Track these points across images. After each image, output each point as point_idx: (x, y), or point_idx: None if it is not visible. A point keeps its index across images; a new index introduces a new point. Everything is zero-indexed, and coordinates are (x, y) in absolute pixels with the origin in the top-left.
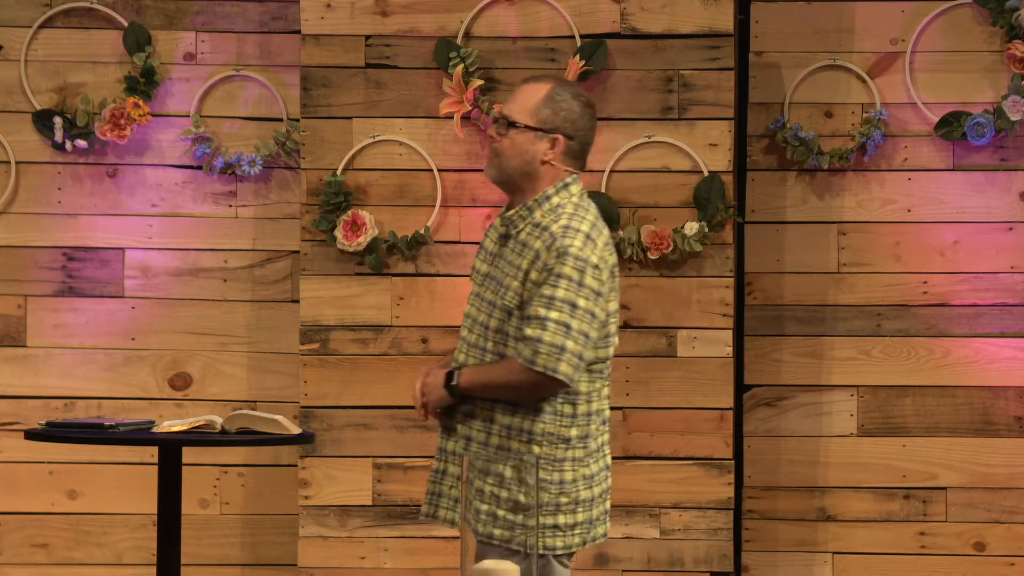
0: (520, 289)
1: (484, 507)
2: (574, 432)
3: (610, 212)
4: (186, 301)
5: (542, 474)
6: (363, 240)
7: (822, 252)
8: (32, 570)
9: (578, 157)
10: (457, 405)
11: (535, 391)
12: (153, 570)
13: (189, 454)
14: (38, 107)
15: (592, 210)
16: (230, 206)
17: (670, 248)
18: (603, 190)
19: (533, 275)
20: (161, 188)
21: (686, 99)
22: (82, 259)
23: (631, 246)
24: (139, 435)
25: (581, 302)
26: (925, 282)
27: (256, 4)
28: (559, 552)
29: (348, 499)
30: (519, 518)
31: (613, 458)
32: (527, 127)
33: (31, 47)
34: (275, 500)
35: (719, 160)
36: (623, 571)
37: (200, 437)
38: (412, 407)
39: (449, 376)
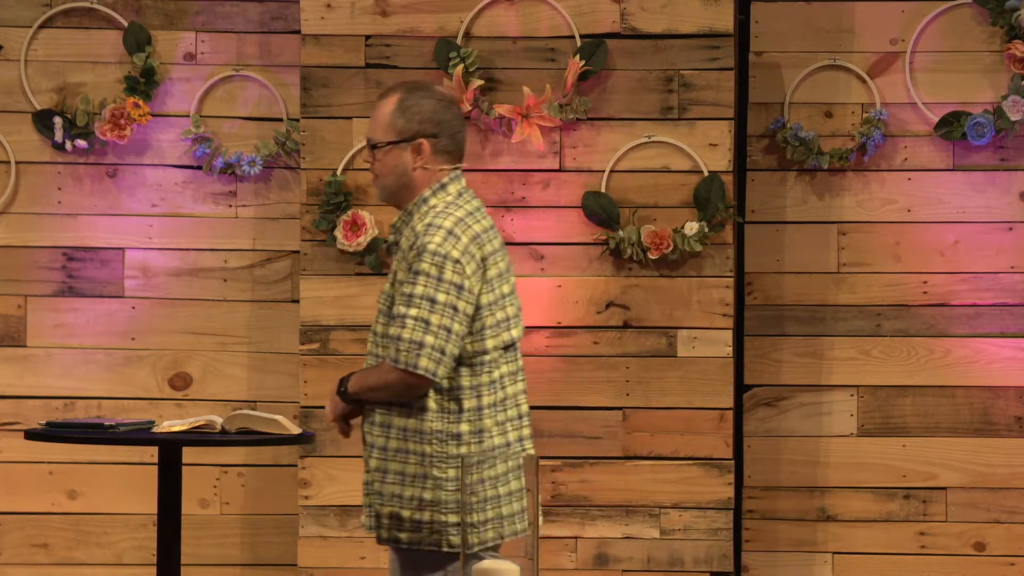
0: (391, 291)
1: (386, 511)
2: (464, 428)
3: (610, 212)
4: (186, 301)
5: (436, 471)
6: (363, 240)
7: (822, 252)
8: (32, 570)
9: (451, 151)
10: (369, 415)
11: (405, 389)
12: (153, 570)
13: (189, 454)
14: (38, 107)
15: (466, 206)
16: (230, 206)
17: (670, 248)
18: (603, 190)
19: (400, 275)
20: (161, 188)
21: (686, 99)
22: (82, 259)
23: (631, 246)
24: (139, 435)
25: (441, 297)
26: (925, 282)
27: (256, 4)
28: (474, 548)
29: (348, 499)
30: (426, 515)
31: (613, 458)
32: (389, 143)
33: (31, 47)
34: (275, 500)
35: (719, 160)
36: (623, 571)
37: (200, 437)
38: None
39: (341, 382)
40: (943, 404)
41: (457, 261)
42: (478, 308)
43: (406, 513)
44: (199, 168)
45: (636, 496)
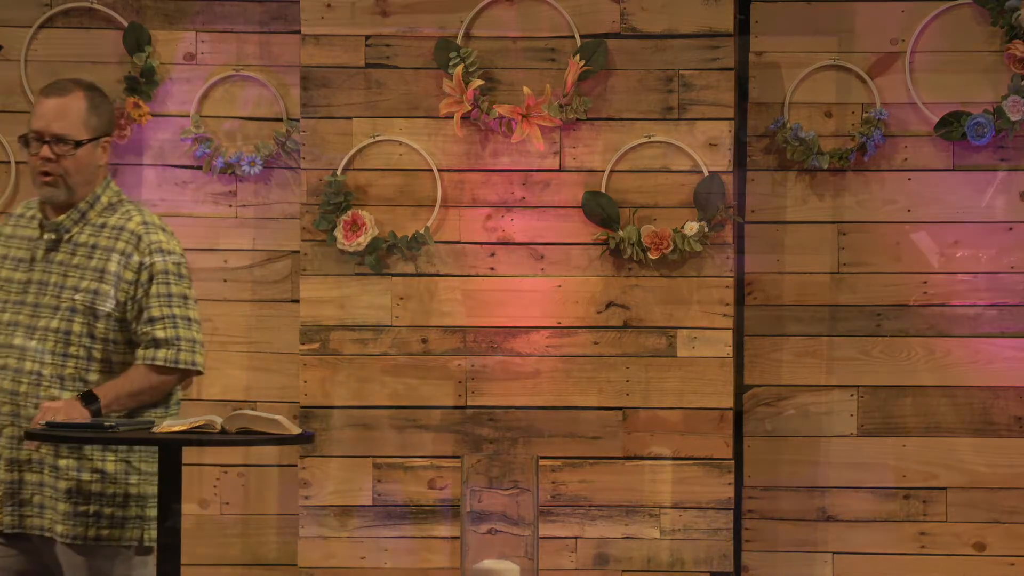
0: (112, 292)
1: (91, 509)
2: (168, 420)
3: (610, 212)
4: None
5: (144, 467)
6: (363, 240)
7: (822, 252)
8: None
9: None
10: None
11: (171, 388)
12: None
13: (189, 454)
14: None
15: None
16: (230, 206)
17: (670, 248)
18: (603, 190)
19: (128, 275)
20: (161, 188)
21: (686, 99)
22: None
23: (631, 246)
24: (139, 435)
25: (189, 293)
26: (925, 282)
27: (256, 4)
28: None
29: (348, 499)
30: (132, 511)
31: (613, 458)
32: (89, 140)
33: (31, 47)
34: (275, 500)
35: (719, 160)
36: (623, 571)
37: (200, 437)
38: (412, 407)
39: (89, 397)
40: (943, 404)
41: (182, 256)
42: None
43: (108, 511)
44: (199, 168)
45: (636, 496)
